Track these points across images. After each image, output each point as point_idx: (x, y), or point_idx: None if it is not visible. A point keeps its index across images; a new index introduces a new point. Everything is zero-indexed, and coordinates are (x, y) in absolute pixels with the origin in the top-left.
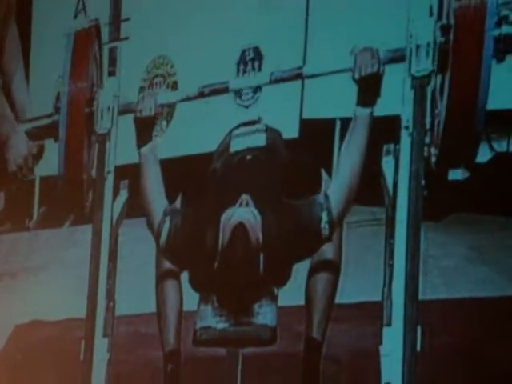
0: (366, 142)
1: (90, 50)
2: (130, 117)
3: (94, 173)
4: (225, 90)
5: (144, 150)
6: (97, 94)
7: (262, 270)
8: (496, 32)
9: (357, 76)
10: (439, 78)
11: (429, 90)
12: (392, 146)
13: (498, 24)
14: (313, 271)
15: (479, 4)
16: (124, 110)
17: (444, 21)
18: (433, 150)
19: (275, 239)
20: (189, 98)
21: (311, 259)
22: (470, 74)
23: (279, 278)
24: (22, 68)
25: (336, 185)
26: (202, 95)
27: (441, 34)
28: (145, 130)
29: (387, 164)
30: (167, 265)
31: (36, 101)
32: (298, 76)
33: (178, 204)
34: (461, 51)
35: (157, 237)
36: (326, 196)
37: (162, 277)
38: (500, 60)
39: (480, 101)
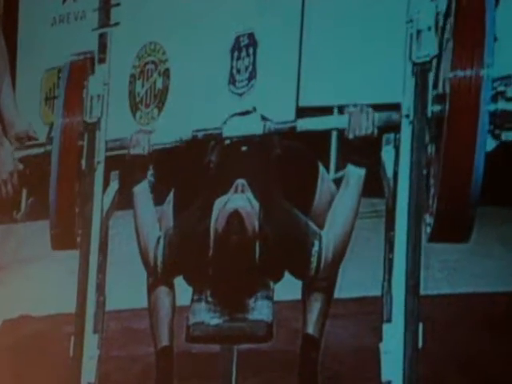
0: (358, 201)
1: (83, 83)
2: (120, 105)
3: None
4: (218, 136)
5: (137, 189)
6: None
7: (258, 257)
8: (492, 107)
9: (351, 136)
10: (434, 146)
11: (430, 76)
12: (392, 135)
13: (495, 99)
14: None
15: (474, 76)
16: (115, 147)
17: (440, 90)
18: (428, 219)
19: (271, 232)
20: (182, 141)
21: None
22: (464, 149)
23: (274, 270)
24: (9, 79)
25: (330, 233)
26: (195, 139)
27: (435, 103)
28: (137, 168)
29: (387, 154)
30: None
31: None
32: (292, 129)
33: (170, 199)
34: (455, 123)
35: (154, 266)
36: (320, 237)
37: None
38: (496, 137)
39: (475, 178)
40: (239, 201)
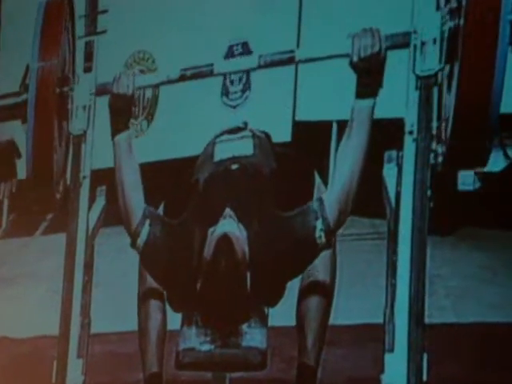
0: (367, 140)
1: (62, 22)
2: (107, 116)
3: (68, 178)
4: (209, 74)
5: (119, 138)
6: (69, 73)
7: (250, 287)
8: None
9: (355, 59)
10: (447, 67)
11: (435, 91)
12: (394, 153)
13: None
14: (304, 288)
15: None
16: (100, 91)
17: (453, 3)
18: (439, 149)
19: (264, 254)
20: (170, 81)
21: (302, 275)
22: (482, 62)
23: (269, 296)
24: None
25: (333, 188)
26: (183, 78)
27: (449, 18)
28: (121, 113)
29: (389, 172)
30: (151, 279)
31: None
32: (291, 60)
33: (159, 211)
34: (473, 37)
35: (134, 237)
36: (320, 201)
37: (145, 292)
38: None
39: (494, 93)
40: (228, 226)
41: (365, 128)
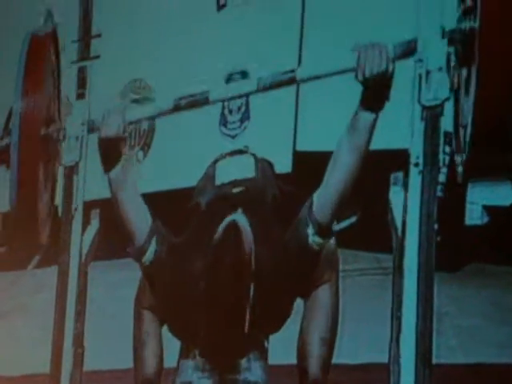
0: (366, 148)
1: (45, 60)
2: None
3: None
4: (205, 102)
5: (113, 174)
6: (54, 113)
7: (252, 297)
8: None
9: (360, 77)
10: (464, 71)
11: (441, 121)
12: (401, 175)
13: None
14: (306, 325)
15: None
16: (92, 128)
17: (468, 3)
18: (458, 159)
19: (267, 275)
20: (163, 113)
21: (304, 311)
22: (501, 65)
23: (273, 319)
24: None
25: (327, 190)
26: (178, 108)
27: (464, 19)
28: (111, 151)
29: (395, 195)
30: (147, 316)
31: None
32: (291, 81)
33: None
34: (490, 35)
35: (139, 253)
36: (310, 206)
37: (140, 330)
38: None
39: None
40: (238, 216)
41: (365, 136)
